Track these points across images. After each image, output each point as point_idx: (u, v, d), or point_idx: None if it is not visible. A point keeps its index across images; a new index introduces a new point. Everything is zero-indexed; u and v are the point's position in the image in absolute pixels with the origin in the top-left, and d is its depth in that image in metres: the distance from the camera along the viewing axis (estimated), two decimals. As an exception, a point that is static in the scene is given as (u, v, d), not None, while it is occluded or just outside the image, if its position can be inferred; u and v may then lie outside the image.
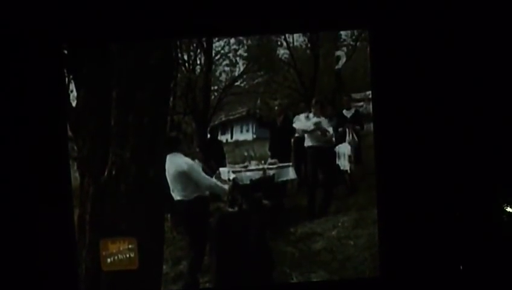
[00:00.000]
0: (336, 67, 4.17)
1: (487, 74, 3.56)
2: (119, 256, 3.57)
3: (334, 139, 4.30)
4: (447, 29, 3.55)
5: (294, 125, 4.35)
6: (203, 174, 3.87)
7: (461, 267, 3.56)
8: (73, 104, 3.59)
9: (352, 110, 4.28)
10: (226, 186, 4.03)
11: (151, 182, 3.52)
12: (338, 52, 4.15)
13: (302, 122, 4.31)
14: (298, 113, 4.34)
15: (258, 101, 4.42)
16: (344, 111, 4.33)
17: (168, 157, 3.77)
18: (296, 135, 4.38)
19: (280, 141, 4.47)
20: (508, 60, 3.57)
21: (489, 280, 3.46)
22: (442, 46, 3.55)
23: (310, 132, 4.29)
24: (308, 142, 4.33)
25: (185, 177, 3.79)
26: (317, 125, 4.25)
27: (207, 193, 3.90)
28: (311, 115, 4.28)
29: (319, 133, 4.27)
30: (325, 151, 4.32)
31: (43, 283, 3.47)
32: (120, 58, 3.47)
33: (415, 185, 3.59)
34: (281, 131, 4.46)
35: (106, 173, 3.48)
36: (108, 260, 3.57)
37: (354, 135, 4.30)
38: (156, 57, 3.49)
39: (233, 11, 3.51)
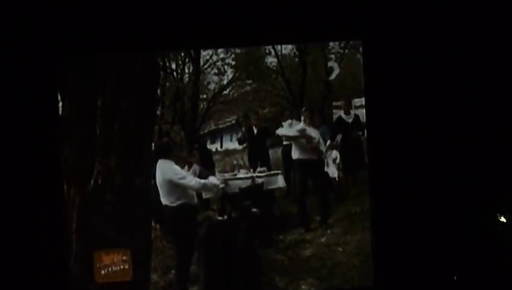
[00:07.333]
0: (330, 78, 4.19)
1: (479, 81, 3.60)
2: (113, 268, 3.57)
3: (321, 146, 4.25)
4: (438, 36, 3.60)
5: (277, 131, 4.30)
6: (191, 177, 3.84)
7: (455, 277, 3.55)
8: (59, 113, 3.59)
9: (352, 116, 4.28)
10: (218, 181, 3.97)
11: (137, 191, 3.54)
12: (330, 63, 4.17)
13: (285, 129, 4.27)
14: (285, 121, 4.31)
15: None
16: (343, 116, 4.32)
17: (159, 163, 3.77)
18: (285, 143, 4.38)
19: (257, 150, 4.40)
20: (499, 67, 3.61)
21: (483, 289, 3.46)
22: (434, 54, 3.60)
23: (294, 139, 4.24)
24: (295, 154, 4.26)
25: (171, 184, 3.75)
26: (302, 132, 4.20)
27: (195, 200, 3.87)
28: (294, 122, 4.24)
29: (303, 140, 4.21)
30: (314, 164, 4.26)
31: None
32: (104, 68, 3.51)
33: (408, 194, 3.61)
34: (258, 140, 4.41)
35: (92, 182, 3.49)
36: (103, 271, 3.57)
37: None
38: (140, 66, 3.53)
39: (222, 23, 3.55)
